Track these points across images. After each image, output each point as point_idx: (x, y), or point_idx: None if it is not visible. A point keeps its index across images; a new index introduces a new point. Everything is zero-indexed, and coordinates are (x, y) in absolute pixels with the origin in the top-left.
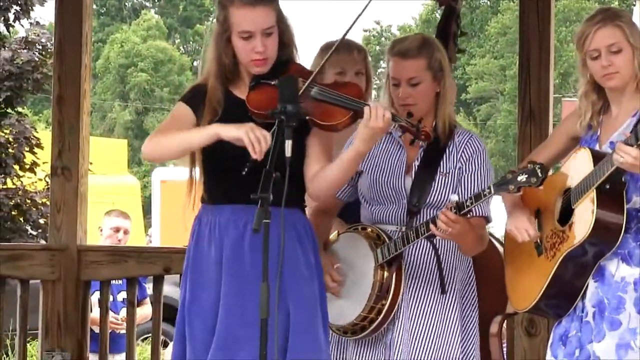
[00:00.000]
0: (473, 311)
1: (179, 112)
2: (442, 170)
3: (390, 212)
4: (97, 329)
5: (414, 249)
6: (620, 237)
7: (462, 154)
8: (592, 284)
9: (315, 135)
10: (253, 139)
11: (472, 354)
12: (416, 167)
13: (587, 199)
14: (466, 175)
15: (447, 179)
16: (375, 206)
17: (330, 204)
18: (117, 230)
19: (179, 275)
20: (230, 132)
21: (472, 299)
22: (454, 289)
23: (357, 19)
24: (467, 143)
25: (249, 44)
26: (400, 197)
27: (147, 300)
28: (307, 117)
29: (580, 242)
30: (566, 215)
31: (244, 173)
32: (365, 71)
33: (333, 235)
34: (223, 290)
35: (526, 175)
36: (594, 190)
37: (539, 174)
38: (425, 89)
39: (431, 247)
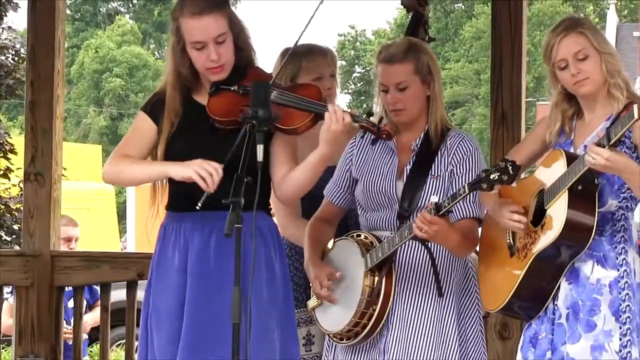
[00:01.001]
0: (473, 313)
1: (140, 125)
2: (433, 174)
3: (383, 218)
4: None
5: (408, 253)
6: (591, 239)
7: (454, 157)
8: (565, 286)
9: (279, 139)
10: (203, 174)
11: (471, 356)
12: (408, 171)
13: (559, 200)
14: (457, 177)
15: (438, 182)
16: (369, 212)
17: (331, 213)
18: (69, 239)
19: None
20: (179, 171)
21: (472, 301)
22: (451, 292)
23: (309, 21)
24: (459, 145)
25: (202, 53)
26: (393, 202)
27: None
28: None
29: (550, 242)
30: (539, 217)
31: (198, 207)
32: (336, 72)
33: (329, 243)
34: (188, 296)
35: (498, 173)
36: (566, 191)
37: (511, 171)
38: (414, 93)
39: (425, 251)
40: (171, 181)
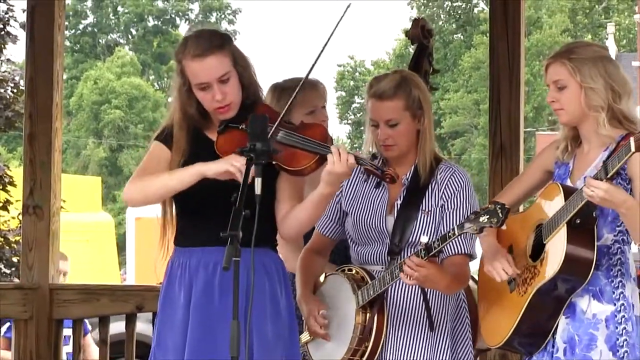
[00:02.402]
0: (466, 346)
1: (155, 151)
2: (424, 209)
3: (374, 253)
4: None
5: (400, 288)
6: (591, 272)
7: (445, 191)
8: (563, 320)
9: (284, 176)
10: (240, 167)
11: None
12: (398, 206)
13: (557, 234)
14: (449, 212)
15: (429, 217)
16: (360, 247)
17: (322, 244)
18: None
19: (152, 313)
20: (214, 168)
21: (465, 334)
22: (445, 326)
23: (317, 59)
24: (450, 179)
25: (207, 93)
26: (383, 237)
27: (88, 337)
28: (274, 162)
29: (550, 277)
30: (538, 251)
31: (233, 199)
32: (325, 102)
33: (322, 277)
34: (190, 331)
35: (487, 216)
36: (565, 225)
37: (500, 215)
38: (404, 129)
39: (417, 286)
40: (179, 216)
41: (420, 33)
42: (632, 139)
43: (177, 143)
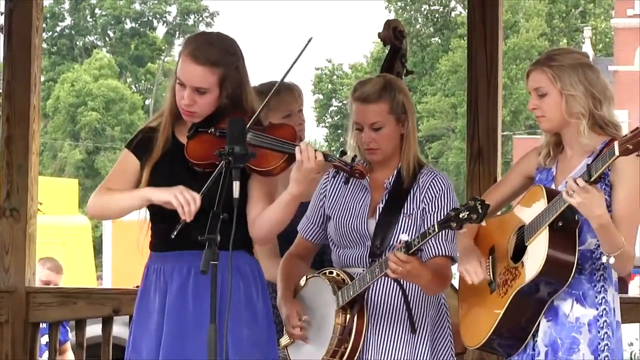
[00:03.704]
0: (446, 349)
1: (125, 162)
2: (405, 212)
3: (355, 255)
4: None
5: (380, 290)
6: (572, 275)
7: (426, 195)
8: (544, 323)
9: (255, 178)
10: (182, 201)
11: None
12: (380, 209)
13: (539, 236)
14: (429, 215)
15: (410, 221)
16: (341, 249)
17: (305, 249)
18: (47, 283)
19: (129, 316)
20: (159, 196)
21: (445, 337)
22: (425, 328)
23: (292, 65)
24: (431, 183)
25: (181, 91)
26: (365, 240)
27: (68, 345)
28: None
29: (531, 279)
30: (520, 252)
31: (173, 236)
32: (302, 106)
33: (302, 281)
34: (165, 335)
35: (467, 212)
36: (547, 228)
37: (480, 210)
38: (388, 133)
39: (398, 287)
40: (152, 220)
41: (392, 35)
42: (616, 143)
43: (161, 134)
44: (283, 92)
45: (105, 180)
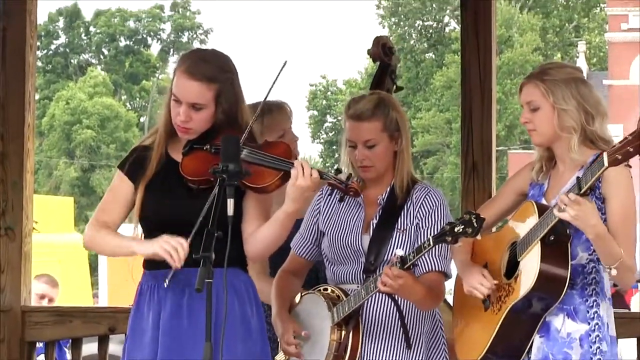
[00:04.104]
0: None
1: (118, 187)
2: (399, 228)
3: (349, 272)
4: None
5: (375, 306)
6: (565, 290)
7: (420, 210)
8: (537, 339)
9: (250, 196)
10: (169, 249)
11: None
12: (374, 225)
13: (531, 251)
14: (423, 231)
15: (404, 236)
16: (336, 266)
17: (298, 266)
18: (42, 297)
19: (124, 334)
20: (145, 249)
21: (440, 352)
22: (420, 344)
23: (274, 82)
24: (425, 199)
25: (176, 107)
26: (359, 256)
27: None
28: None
29: (524, 295)
30: (512, 269)
31: (166, 285)
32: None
33: (297, 297)
34: (160, 353)
35: (462, 226)
36: (538, 242)
37: (475, 224)
38: (382, 150)
39: (392, 303)
40: (146, 238)
41: (381, 51)
42: (604, 154)
43: (156, 152)
44: (275, 112)
45: (99, 209)
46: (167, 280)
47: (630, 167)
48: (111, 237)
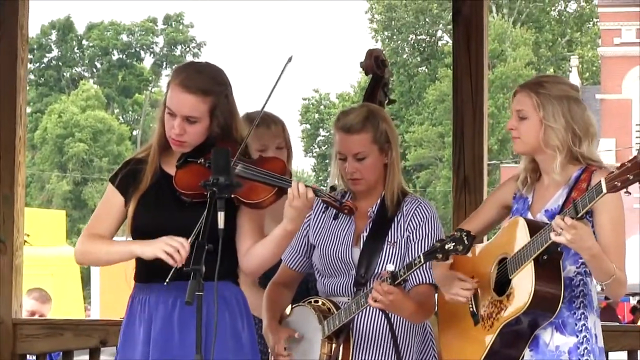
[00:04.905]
0: None
1: (109, 201)
2: (390, 240)
3: (340, 284)
4: None
5: (366, 319)
6: (559, 307)
7: (410, 222)
8: (527, 353)
9: (244, 211)
10: (170, 250)
11: None
12: (364, 238)
13: (524, 270)
14: (414, 243)
15: (395, 249)
16: (326, 278)
17: (289, 277)
18: (33, 314)
19: (116, 347)
20: (145, 251)
21: None
22: (411, 356)
23: (272, 91)
24: (415, 211)
25: (170, 120)
26: (349, 269)
27: None
28: (232, 195)
29: (519, 312)
30: (502, 285)
31: (166, 283)
32: (287, 143)
33: (287, 309)
34: None
35: (453, 243)
36: (532, 262)
37: (465, 242)
38: (372, 163)
39: (383, 317)
40: None
41: (374, 64)
42: (603, 180)
43: (150, 165)
44: (260, 125)
45: (90, 224)
46: (167, 279)
47: (629, 193)
48: (106, 244)
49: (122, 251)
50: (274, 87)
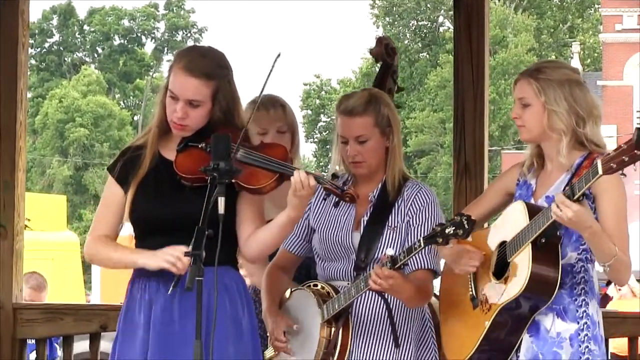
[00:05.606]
0: None
1: (109, 196)
2: (390, 225)
3: (340, 268)
4: None
5: (365, 304)
6: (556, 291)
7: (411, 207)
8: (526, 339)
9: (245, 197)
10: (173, 260)
11: None
12: (365, 222)
13: (522, 253)
14: (414, 228)
15: (395, 234)
16: (326, 262)
17: (288, 261)
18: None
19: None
20: (149, 263)
21: (429, 352)
22: (409, 342)
23: (269, 74)
24: (416, 196)
25: (172, 104)
26: (349, 253)
27: None
28: (233, 180)
29: (515, 296)
30: (502, 269)
31: (169, 292)
32: (289, 127)
33: (287, 293)
34: (150, 352)
35: (453, 228)
36: (530, 244)
37: (466, 226)
38: (374, 146)
39: (382, 301)
40: (138, 238)
41: (384, 51)
42: (599, 162)
43: (148, 151)
44: (261, 108)
45: (95, 225)
46: (171, 288)
47: (624, 175)
48: (112, 251)
49: (126, 262)
50: (265, 84)
